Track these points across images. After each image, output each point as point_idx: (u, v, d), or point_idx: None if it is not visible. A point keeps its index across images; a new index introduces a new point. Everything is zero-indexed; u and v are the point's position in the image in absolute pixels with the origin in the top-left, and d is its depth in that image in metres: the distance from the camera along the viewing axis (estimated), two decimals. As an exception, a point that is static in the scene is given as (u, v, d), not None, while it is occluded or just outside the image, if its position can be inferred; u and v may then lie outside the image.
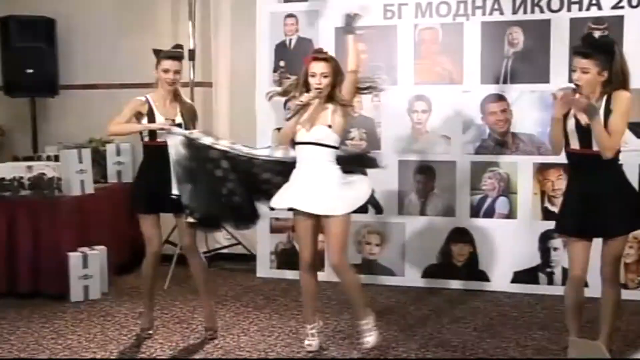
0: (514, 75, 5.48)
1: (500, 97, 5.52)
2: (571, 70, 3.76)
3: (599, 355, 3.61)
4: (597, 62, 3.62)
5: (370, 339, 4.10)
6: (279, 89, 4.06)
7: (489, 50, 5.53)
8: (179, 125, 4.35)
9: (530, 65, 5.42)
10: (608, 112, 3.64)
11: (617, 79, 3.66)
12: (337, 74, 4.00)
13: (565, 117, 3.75)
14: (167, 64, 4.36)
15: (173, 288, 5.68)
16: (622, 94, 3.65)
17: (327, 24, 5.84)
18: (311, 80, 3.97)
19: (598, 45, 3.70)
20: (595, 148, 3.67)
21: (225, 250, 6.44)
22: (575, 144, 3.75)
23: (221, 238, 6.52)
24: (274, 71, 6.02)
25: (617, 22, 5.20)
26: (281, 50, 6.01)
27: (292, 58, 5.96)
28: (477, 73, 5.56)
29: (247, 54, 6.21)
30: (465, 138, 5.61)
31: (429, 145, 5.66)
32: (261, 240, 6.15)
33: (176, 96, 4.44)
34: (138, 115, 4.36)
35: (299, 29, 5.96)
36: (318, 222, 4.07)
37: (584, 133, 3.69)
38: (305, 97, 3.94)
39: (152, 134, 4.32)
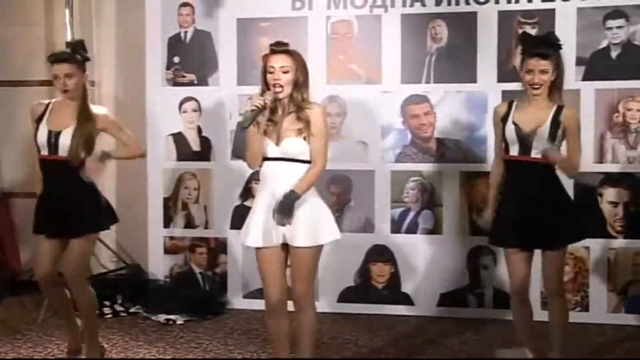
0: (438, 74, 5.50)
1: (423, 99, 5.53)
2: (525, 72, 3.94)
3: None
4: (554, 63, 3.89)
5: None
6: (251, 113, 3.73)
7: (410, 46, 5.54)
8: (56, 135, 4.22)
9: (455, 62, 5.46)
10: (557, 124, 3.91)
11: (561, 80, 3.96)
12: (298, 71, 3.83)
13: (503, 121, 4.02)
14: (54, 69, 4.25)
15: (49, 321, 5.45)
16: (574, 112, 4.00)
17: (228, 15, 5.76)
18: (269, 77, 3.79)
19: (553, 45, 3.93)
20: (533, 155, 3.92)
21: (111, 276, 6.22)
22: (514, 151, 3.99)
23: (107, 261, 6.32)
24: (167, 68, 5.90)
25: (548, 16, 5.31)
26: (175, 44, 5.89)
27: (188, 53, 5.86)
28: (397, 72, 5.56)
29: (135, 48, 6.04)
30: (384, 144, 5.60)
31: (344, 152, 5.62)
32: (153, 263, 5.98)
33: (83, 106, 4.32)
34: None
35: (196, 20, 5.85)
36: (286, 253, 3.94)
37: (524, 140, 3.94)
38: (258, 98, 3.73)
39: (50, 147, 4.26)
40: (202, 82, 5.85)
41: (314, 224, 3.83)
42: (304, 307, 3.94)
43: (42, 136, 4.24)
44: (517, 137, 3.95)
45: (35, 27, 6.29)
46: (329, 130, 3.91)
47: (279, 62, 3.79)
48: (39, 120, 4.28)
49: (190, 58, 5.86)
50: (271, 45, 3.87)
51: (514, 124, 3.97)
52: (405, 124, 5.58)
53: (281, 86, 3.78)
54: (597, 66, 5.29)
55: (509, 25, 5.35)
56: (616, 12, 5.27)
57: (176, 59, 5.88)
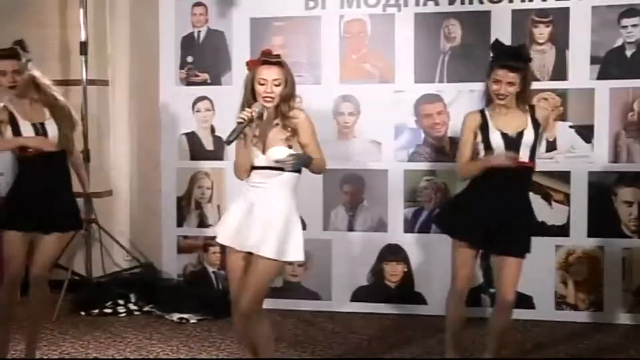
0: (452, 73, 5.50)
1: (436, 98, 5.54)
2: (492, 81, 3.95)
3: None
4: (522, 75, 3.91)
5: None
6: (236, 127, 3.64)
7: (424, 46, 5.54)
8: (42, 127, 4.20)
9: (469, 62, 5.44)
10: (537, 123, 3.99)
11: (528, 89, 4.00)
12: (289, 81, 3.75)
13: (483, 130, 4.00)
14: (1, 65, 4.17)
15: (63, 319, 5.48)
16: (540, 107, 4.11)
17: (241, 15, 5.77)
18: (259, 88, 3.67)
19: (522, 57, 3.98)
20: (523, 159, 3.94)
21: (125, 274, 6.26)
22: None
23: (120, 260, 6.36)
24: (181, 68, 5.92)
25: (563, 15, 5.30)
26: (189, 43, 5.90)
27: (201, 53, 5.89)
28: (411, 71, 5.56)
29: (149, 47, 6.07)
30: (397, 143, 5.61)
31: (358, 151, 5.64)
32: (167, 262, 6.01)
33: (41, 96, 4.27)
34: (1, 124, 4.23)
35: (209, 20, 5.87)
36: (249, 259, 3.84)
37: (512, 145, 3.95)
38: (247, 111, 3.65)
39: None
40: (216, 81, 5.87)
41: (284, 239, 3.70)
42: (251, 322, 3.77)
43: (29, 132, 4.18)
44: (504, 143, 3.94)
45: (50, 27, 6.30)
46: (315, 130, 3.80)
47: (272, 74, 3.69)
48: (12, 121, 4.18)
49: (203, 57, 5.88)
50: (263, 55, 3.76)
51: (498, 130, 3.97)
52: (419, 123, 5.58)
53: (272, 99, 3.71)
54: (611, 65, 5.27)
55: (523, 24, 5.34)
56: (631, 11, 5.25)
57: (190, 59, 5.90)
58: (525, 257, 4.01)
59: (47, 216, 4.20)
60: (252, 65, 3.77)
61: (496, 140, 3.96)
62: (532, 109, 4.02)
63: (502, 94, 3.92)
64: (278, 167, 3.70)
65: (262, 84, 3.68)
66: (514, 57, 3.94)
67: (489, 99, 4.02)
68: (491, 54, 4.07)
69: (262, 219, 3.70)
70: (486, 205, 3.96)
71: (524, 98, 3.99)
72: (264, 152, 3.72)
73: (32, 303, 4.40)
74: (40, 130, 4.20)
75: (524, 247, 4.00)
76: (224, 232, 3.82)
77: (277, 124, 3.74)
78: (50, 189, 4.22)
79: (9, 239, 4.26)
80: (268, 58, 3.73)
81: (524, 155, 3.95)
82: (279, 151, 3.70)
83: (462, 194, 4.20)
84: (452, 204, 4.35)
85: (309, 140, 3.76)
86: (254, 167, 3.76)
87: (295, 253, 3.73)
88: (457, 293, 4.14)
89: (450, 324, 4.21)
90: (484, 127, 4.00)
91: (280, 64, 3.73)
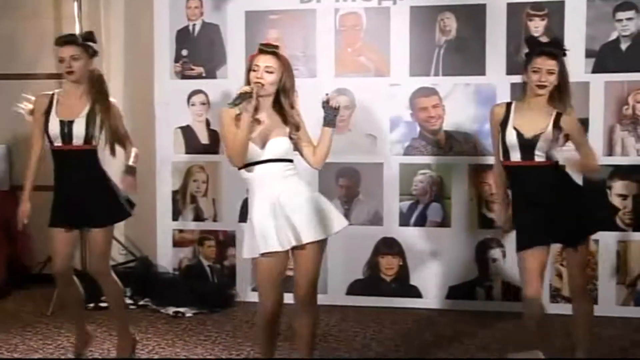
0: (447, 67, 5.51)
1: (432, 91, 5.54)
2: (531, 71, 3.88)
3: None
4: (560, 64, 3.87)
5: None
6: (240, 95, 3.68)
7: (419, 39, 5.54)
8: (69, 125, 4.18)
9: (464, 55, 5.46)
10: (558, 129, 3.89)
11: (564, 85, 3.90)
12: (285, 75, 3.77)
13: (503, 126, 3.96)
14: (61, 51, 4.20)
15: (58, 313, 5.48)
16: (574, 118, 3.96)
17: (236, 8, 5.76)
18: (252, 74, 3.72)
19: (560, 46, 3.95)
20: (537, 159, 3.90)
21: (120, 268, 6.25)
22: (516, 157, 3.93)
23: (115, 254, 6.34)
24: (176, 61, 5.91)
25: (558, 8, 5.31)
26: (183, 37, 5.90)
27: (196, 46, 5.88)
28: (406, 64, 5.56)
29: (144, 41, 6.06)
30: (393, 137, 5.61)
31: (353, 145, 5.64)
32: (162, 255, 6.01)
33: (92, 90, 4.25)
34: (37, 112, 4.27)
35: (204, 13, 5.86)
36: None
37: (527, 146, 3.89)
38: (248, 86, 3.69)
39: (64, 137, 4.20)
40: (211, 75, 5.86)
41: (321, 215, 3.75)
42: (313, 307, 3.86)
43: (55, 127, 4.18)
44: (518, 144, 3.89)
45: (44, 20, 6.29)
46: None
47: (265, 62, 3.73)
48: (47, 112, 4.21)
49: (198, 51, 5.87)
50: (260, 45, 3.82)
51: (515, 129, 3.91)
52: (414, 117, 5.58)
53: (262, 85, 3.70)
54: (606, 58, 5.28)
55: (518, 17, 5.35)
56: (626, 4, 5.26)
57: (184, 52, 5.89)
58: (587, 243, 4.07)
59: (82, 213, 4.21)
60: (251, 58, 3.83)
61: (511, 139, 3.91)
62: (558, 115, 3.89)
63: (543, 82, 3.85)
64: (280, 159, 3.73)
65: (254, 70, 3.74)
66: (550, 45, 3.95)
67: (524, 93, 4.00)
68: (526, 50, 4.01)
69: (292, 208, 3.70)
70: (525, 211, 3.95)
71: (560, 96, 3.89)
72: (263, 146, 3.71)
73: (106, 299, 4.58)
74: (65, 128, 4.18)
75: (583, 232, 3.99)
76: (266, 243, 3.69)
77: (273, 116, 3.79)
78: (80, 187, 4.20)
79: (52, 234, 4.29)
80: (264, 47, 3.79)
81: (538, 158, 3.89)
82: (280, 143, 3.75)
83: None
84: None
85: (305, 128, 3.89)
86: (253, 164, 3.72)
87: (338, 222, 3.81)
88: (534, 301, 3.96)
89: (537, 330, 4.04)
90: (503, 123, 3.95)
91: (276, 54, 3.77)
